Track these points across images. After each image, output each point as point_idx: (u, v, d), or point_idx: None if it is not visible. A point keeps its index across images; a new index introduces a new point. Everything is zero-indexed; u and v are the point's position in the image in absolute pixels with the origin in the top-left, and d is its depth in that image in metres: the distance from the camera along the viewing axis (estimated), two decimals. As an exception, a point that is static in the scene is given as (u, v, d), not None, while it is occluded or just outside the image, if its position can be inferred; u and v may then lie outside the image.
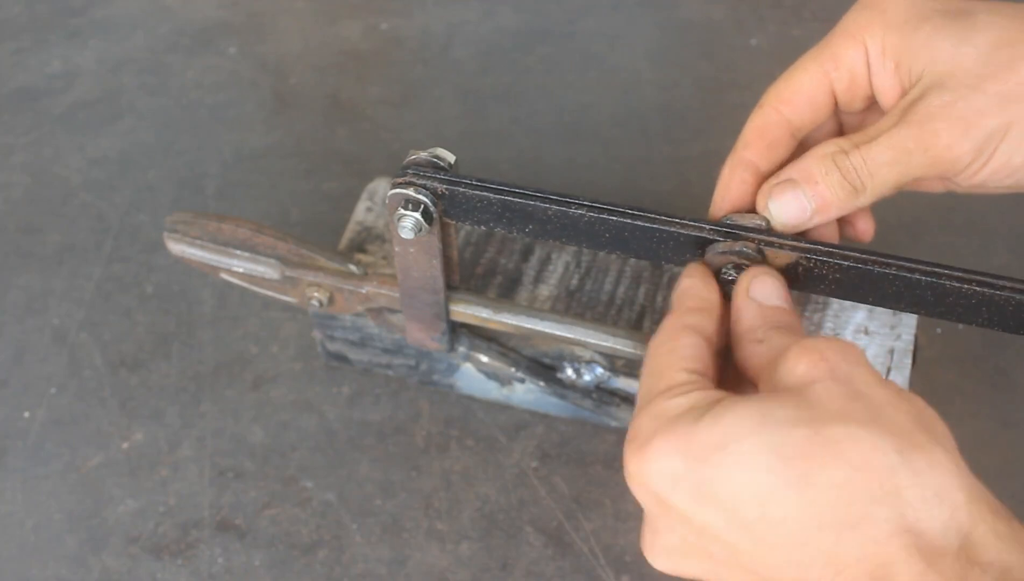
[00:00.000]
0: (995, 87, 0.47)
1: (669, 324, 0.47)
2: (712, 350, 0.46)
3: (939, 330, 0.73)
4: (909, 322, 0.64)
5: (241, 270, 0.64)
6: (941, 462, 0.37)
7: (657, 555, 0.43)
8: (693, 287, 0.48)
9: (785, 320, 0.46)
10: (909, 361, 0.62)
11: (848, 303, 0.65)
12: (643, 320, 0.65)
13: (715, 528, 0.39)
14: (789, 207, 0.50)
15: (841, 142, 0.49)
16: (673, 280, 0.67)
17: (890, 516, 0.36)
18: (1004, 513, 0.37)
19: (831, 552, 0.37)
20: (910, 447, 0.37)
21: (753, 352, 0.45)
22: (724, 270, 0.49)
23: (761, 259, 0.49)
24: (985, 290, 0.47)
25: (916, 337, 0.63)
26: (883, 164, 0.48)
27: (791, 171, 0.50)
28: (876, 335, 0.63)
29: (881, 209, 0.82)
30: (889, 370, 0.62)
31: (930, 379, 0.70)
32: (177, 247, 0.64)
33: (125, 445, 0.70)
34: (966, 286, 0.47)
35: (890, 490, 0.36)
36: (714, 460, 0.38)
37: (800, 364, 0.41)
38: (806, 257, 0.49)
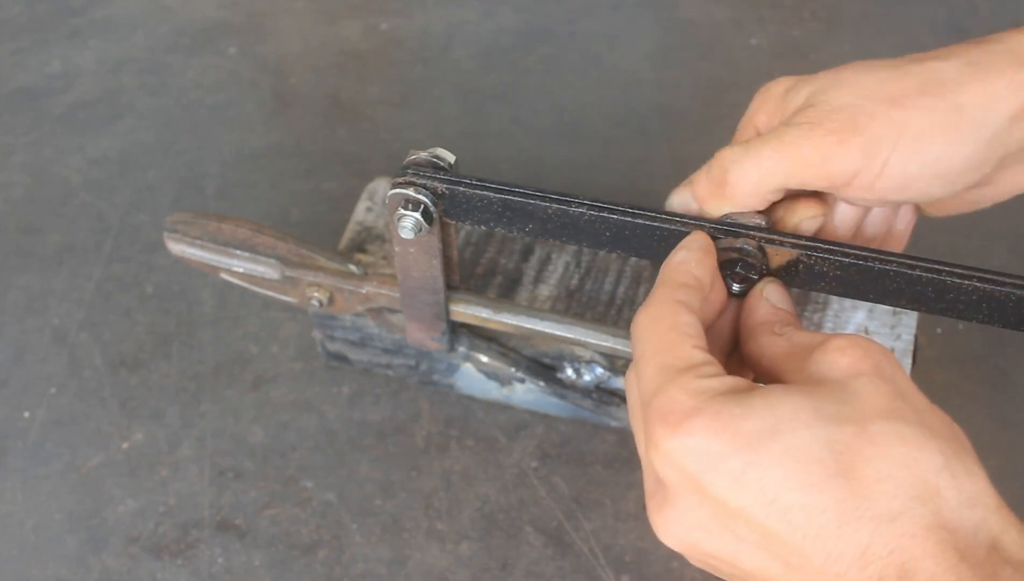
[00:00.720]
0: (883, 93, 0.49)
1: (661, 296, 0.46)
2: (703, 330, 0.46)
3: (939, 330, 0.73)
4: (909, 322, 0.64)
5: (241, 270, 0.64)
6: (976, 470, 0.39)
7: (671, 528, 0.42)
8: (685, 262, 0.48)
9: (796, 322, 0.48)
10: (909, 361, 0.62)
11: (848, 303, 0.65)
12: (643, 320, 0.65)
13: (750, 512, 0.39)
14: (674, 203, 0.53)
15: (729, 147, 0.52)
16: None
17: (927, 513, 0.37)
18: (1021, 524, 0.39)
19: (865, 544, 0.37)
20: (951, 452, 0.39)
21: (770, 343, 0.46)
22: (724, 270, 0.49)
23: (762, 256, 0.49)
24: (985, 286, 0.47)
25: (916, 337, 0.63)
26: (762, 160, 0.50)
27: (696, 173, 0.53)
28: (876, 335, 0.63)
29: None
30: (889, 370, 0.62)
31: (930, 379, 0.70)
32: (177, 247, 0.64)
33: (125, 445, 0.70)
34: (966, 282, 0.47)
35: (932, 489, 0.38)
36: (764, 448, 0.39)
37: (844, 357, 0.41)
38: (807, 254, 0.49)
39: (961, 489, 0.38)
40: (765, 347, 0.46)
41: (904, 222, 0.56)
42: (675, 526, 0.42)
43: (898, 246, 0.56)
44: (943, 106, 0.48)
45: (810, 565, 0.38)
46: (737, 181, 0.50)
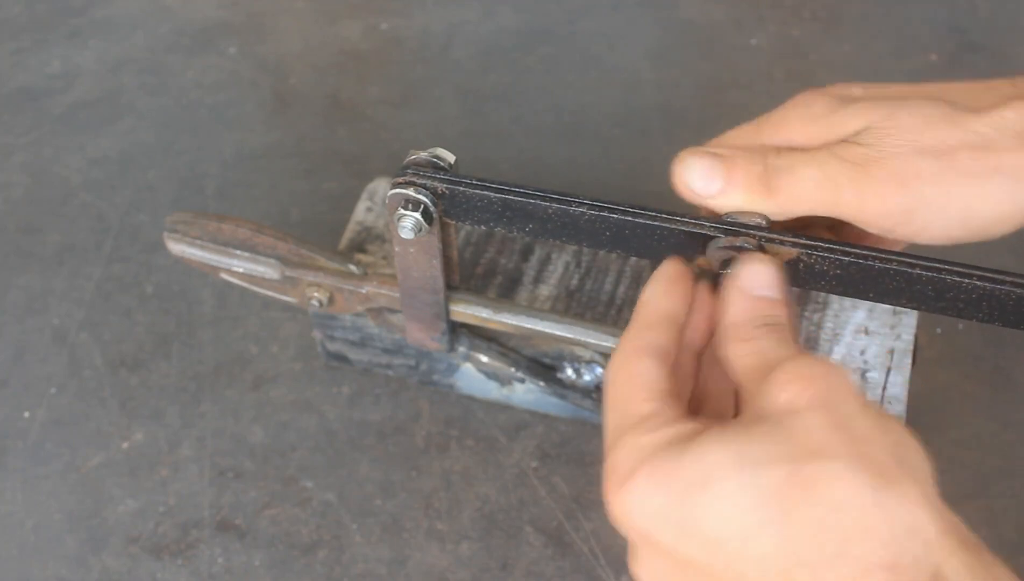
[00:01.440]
0: (935, 146, 0.48)
1: (624, 346, 0.46)
2: (671, 365, 0.46)
3: (939, 330, 0.73)
4: (909, 322, 0.64)
5: (241, 270, 0.64)
6: (913, 497, 0.38)
7: (643, 578, 0.43)
8: (652, 299, 0.47)
9: (774, 314, 0.45)
10: (909, 361, 0.62)
11: (848, 303, 0.65)
12: (643, 320, 0.65)
13: (699, 561, 0.39)
14: (697, 170, 0.49)
15: (776, 148, 0.50)
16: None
17: (864, 553, 0.37)
18: (974, 544, 0.38)
19: None
20: (884, 484, 0.38)
21: (739, 352, 0.45)
22: (724, 269, 0.49)
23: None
24: (986, 285, 0.47)
25: (916, 337, 0.63)
26: (807, 179, 0.48)
27: (719, 148, 0.50)
28: (876, 335, 0.63)
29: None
30: (889, 370, 0.62)
31: (930, 379, 0.70)
32: (177, 247, 0.64)
33: (125, 445, 0.70)
34: (967, 281, 0.47)
35: (864, 528, 0.37)
36: (697, 499, 0.39)
37: (784, 393, 0.40)
38: (807, 253, 0.49)
39: (896, 522, 0.37)
40: (735, 358, 0.45)
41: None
42: (646, 576, 0.43)
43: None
44: (995, 174, 0.47)
45: None
46: (780, 189, 0.49)
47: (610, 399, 0.45)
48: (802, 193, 0.49)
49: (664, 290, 0.48)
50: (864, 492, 0.37)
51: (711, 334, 0.49)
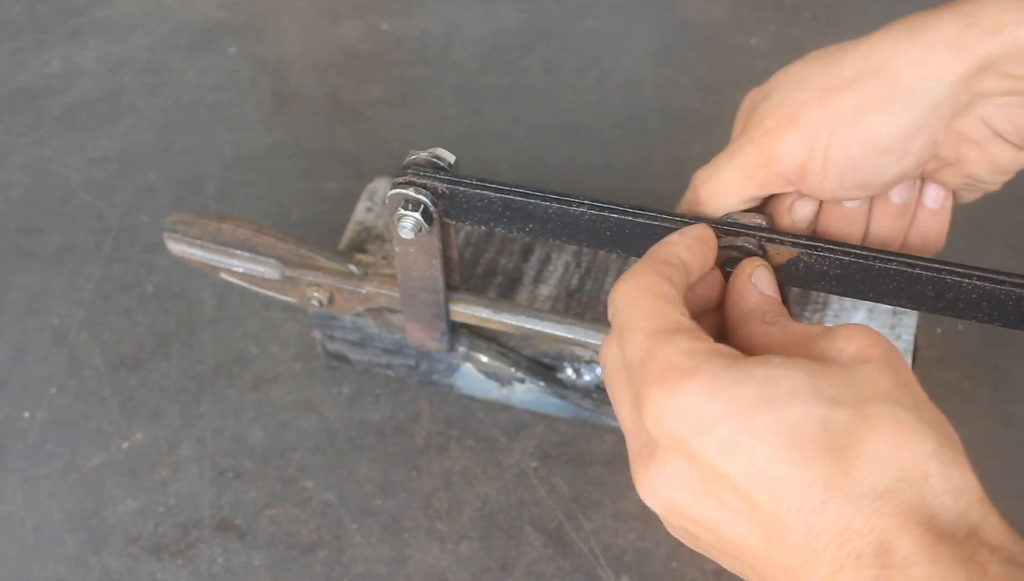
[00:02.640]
0: (820, 81, 0.49)
1: (644, 268, 0.46)
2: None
3: (939, 330, 0.73)
4: (909, 322, 0.64)
5: (241, 270, 0.64)
6: (964, 464, 0.39)
7: (655, 488, 0.42)
8: (673, 245, 0.48)
9: (785, 311, 0.47)
10: (909, 361, 0.62)
11: (848, 303, 0.65)
12: (643, 320, 0.65)
13: (736, 480, 0.39)
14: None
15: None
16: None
17: (912, 495, 0.37)
18: (1006, 524, 0.39)
19: (847, 521, 0.37)
20: (944, 442, 0.39)
21: (763, 332, 0.46)
22: (725, 268, 0.49)
23: (762, 255, 0.49)
24: (985, 285, 0.47)
25: (916, 337, 0.63)
26: (725, 171, 0.50)
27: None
28: (876, 335, 0.63)
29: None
30: (889, 370, 0.62)
31: (930, 379, 0.70)
32: (177, 247, 0.64)
33: (125, 445, 0.70)
34: (966, 281, 0.48)
35: (920, 473, 0.38)
36: (758, 418, 0.39)
37: (852, 344, 0.42)
38: (807, 253, 0.49)
39: (948, 477, 0.38)
40: (757, 336, 0.46)
41: (932, 222, 0.55)
42: (660, 486, 0.41)
43: (935, 241, 0.55)
44: (877, 83, 0.48)
45: (790, 539, 0.38)
46: (708, 199, 0.51)
47: (639, 309, 0.44)
48: (726, 186, 0.51)
49: (687, 245, 0.48)
50: (926, 442, 0.38)
51: (703, 308, 0.50)
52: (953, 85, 0.47)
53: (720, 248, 0.49)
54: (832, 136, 0.48)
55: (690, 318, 0.44)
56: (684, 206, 0.53)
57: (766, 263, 0.49)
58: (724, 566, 0.43)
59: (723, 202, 0.51)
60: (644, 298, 0.44)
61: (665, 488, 0.41)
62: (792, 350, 0.44)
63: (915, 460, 0.38)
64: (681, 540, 0.44)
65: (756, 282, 0.48)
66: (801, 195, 0.52)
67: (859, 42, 0.49)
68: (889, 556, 0.37)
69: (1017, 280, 0.47)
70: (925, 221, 0.54)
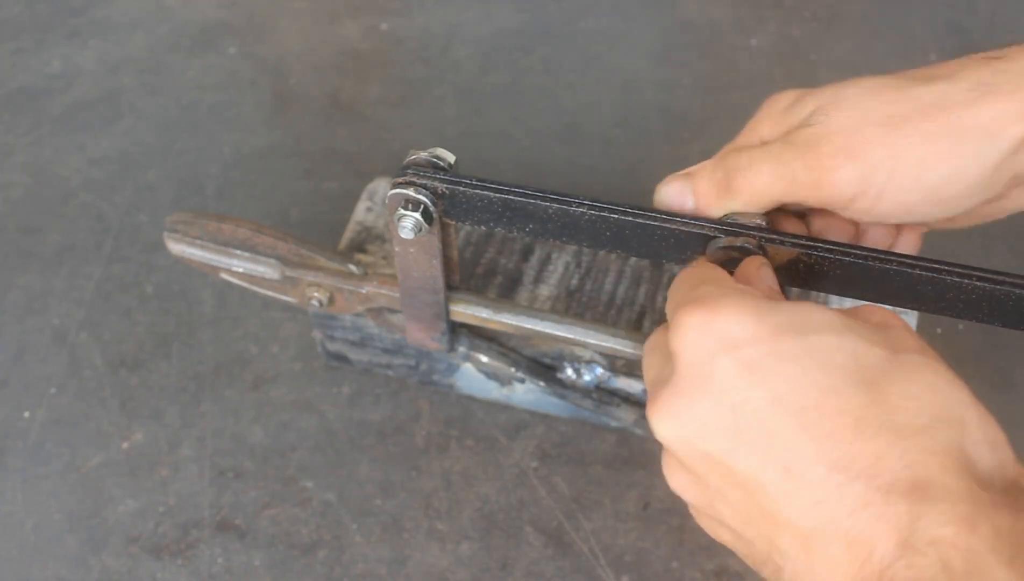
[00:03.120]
0: (883, 116, 0.48)
1: (693, 267, 0.47)
2: None
3: (939, 330, 0.73)
4: (909, 322, 0.64)
5: (241, 270, 0.64)
6: (997, 425, 0.39)
7: (669, 417, 0.40)
8: (700, 265, 0.49)
9: None
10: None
11: (848, 304, 0.65)
12: (643, 320, 0.65)
13: (755, 405, 0.38)
14: (670, 192, 0.52)
15: (738, 148, 0.52)
16: (673, 280, 0.67)
17: (951, 437, 0.37)
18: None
19: (879, 453, 0.36)
20: (973, 399, 0.39)
21: None
22: (725, 267, 0.49)
23: (763, 255, 0.49)
24: (985, 285, 0.47)
25: (916, 337, 0.63)
26: (763, 173, 0.49)
27: (692, 167, 0.53)
28: (876, 335, 0.63)
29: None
30: (889, 370, 0.62)
31: (930, 379, 0.70)
32: (177, 247, 0.64)
33: (125, 445, 0.70)
34: (966, 281, 0.48)
35: (958, 418, 0.37)
36: (785, 342, 0.38)
37: (876, 315, 0.42)
38: (807, 253, 0.49)
39: (986, 430, 0.38)
40: None
41: (908, 246, 0.55)
42: (673, 415, 0.40)
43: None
44: (945, 132, 0.47)
45: (811, 472, 0.37)
46: (740, 189, 0.50)
47: (689, 279, 0.45)
48: (761, 185, 0.50)
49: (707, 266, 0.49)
50: (963, 392, 0.38)
51: None
52: (1018, 143, 0.47)
53: (720, 248, 0.49)
54: (891, 178, 0.47)
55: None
56: (704, 184, 0.51)
57: (768, 262, 0.49)
58: (729, 529, 0.41)
59: (755, 200, 0.50)
60: (691, 274, 0.46)
61: (678, 418, 0.40)
62: None
63: (952, 406, 0.37)
64: (688, 498, 0.43)
65: (764, 278, 0.48)
66: (831, 214, 0.51)
67: (925, 80, 0.48)
68: (925, 492, 0.35)
69: (1017, 280, 0.47)
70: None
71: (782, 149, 0.49)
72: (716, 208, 0.51)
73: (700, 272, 0.46)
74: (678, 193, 0.52)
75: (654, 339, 0.46)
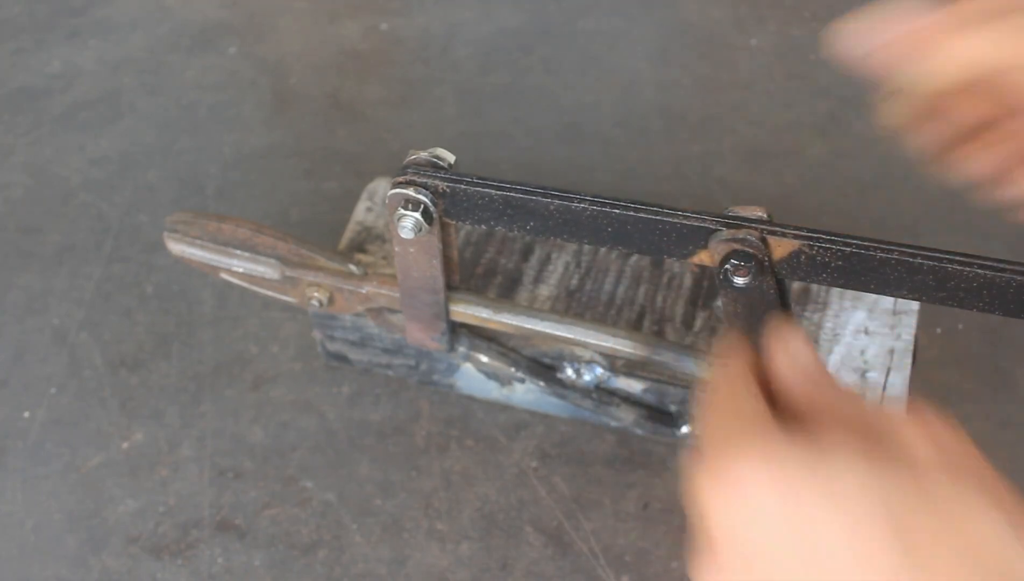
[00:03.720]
0: None
1: (725, 385, 0.45)
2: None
3: (939, 330, 0.73)
4: (909, 322, 0.64)
5: (241, 270, 0.64)
6: None
7: None
8: (730, 380, 0.46)
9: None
10: (909, 361, 0.62)
11: (848, 303, 0.65)
12: (643, 320, 0.65)
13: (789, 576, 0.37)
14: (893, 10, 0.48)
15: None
16: (673, 280, 0.67)
17: None
18: None
19: None
20: (1018, 520, 0.37)
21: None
22: (727, 262, 0.49)
23: (764, 247, 0.49)
24: (986, 273, 0.47)
25: (916, 337, 0.63)
26: (994, 33, 0.46)
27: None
28: (876, 335, 0.63)
29: (881, 209, 0.82)
30: (889, 370, 0.62)
31: (930, 379, 0.70)
32: (177, 247, 0.64)
33: (125, 445, 0.70)
34: (967, 269, 0.48)
35: (1005, 567, 0.36)
36: (810, 496, 0.37)
37: (924, 424, 0.40)
38: (808, 244, 0.49)
39: None
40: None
41: None
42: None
43: None
44: None
45: None
46: (948, 49, 0.47)
47: (728, 405, 0.43)
48: (976, 50, 0.46)
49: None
50: (1001, 527, 0.36)
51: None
52: None
53: (721, 241, 0.49)
54: None
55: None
56: (942, 14, 0.47)
57: (803, 332, 0.47)
58: None
59: (971, 57, 0.47)
60: (730, 391, 0.43)
61: None
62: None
63: (997, 554, 0.35)
64: None
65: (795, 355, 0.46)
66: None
67: None
68: None
69: (1018, 267, 0.47)
70: None
71: (1001, 19, 0.46)
72: (937, 44, 0.47)
73: (732, 405, 0.43)
74: (899, 16, 0.48)
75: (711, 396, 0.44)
